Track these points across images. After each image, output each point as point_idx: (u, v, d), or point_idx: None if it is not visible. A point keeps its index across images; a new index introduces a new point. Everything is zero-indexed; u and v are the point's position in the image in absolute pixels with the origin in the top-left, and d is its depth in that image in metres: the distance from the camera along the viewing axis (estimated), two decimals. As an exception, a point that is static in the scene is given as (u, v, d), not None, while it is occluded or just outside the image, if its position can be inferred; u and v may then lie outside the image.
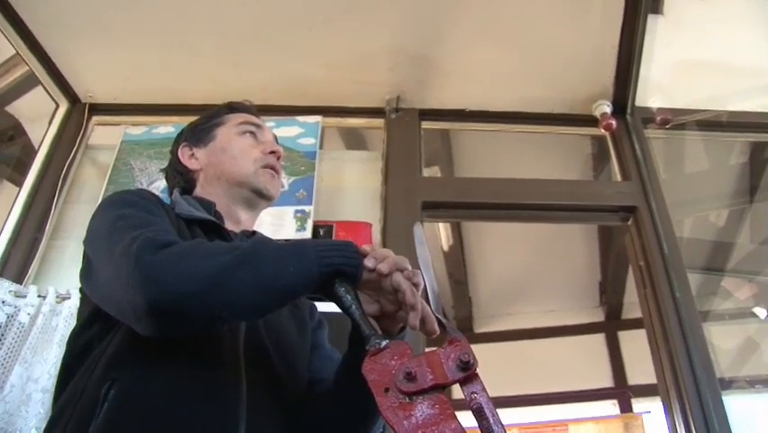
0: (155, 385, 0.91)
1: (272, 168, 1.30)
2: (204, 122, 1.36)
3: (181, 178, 1.31)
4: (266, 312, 0.93)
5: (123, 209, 1.01)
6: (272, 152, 1.31)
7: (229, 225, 1.23)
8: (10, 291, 2.11)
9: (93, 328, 1.01)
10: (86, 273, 1.03)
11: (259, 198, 1.29)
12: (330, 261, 0.89)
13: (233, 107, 1.40)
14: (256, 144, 1.32)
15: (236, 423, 0.92)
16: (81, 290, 1.09)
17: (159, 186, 2.56)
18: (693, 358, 2.25)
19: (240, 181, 1.27)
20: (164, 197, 1.29)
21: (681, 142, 3.15)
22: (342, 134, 3.32)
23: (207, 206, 1.22)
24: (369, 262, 0.93)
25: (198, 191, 1.29)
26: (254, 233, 1.31)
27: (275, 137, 1.39)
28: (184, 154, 1.32)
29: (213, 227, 1.17)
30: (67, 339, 1.06)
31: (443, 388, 0.75)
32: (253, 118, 1.37)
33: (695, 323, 2.34)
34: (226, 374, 0.97)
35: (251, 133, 1.34)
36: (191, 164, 1.31)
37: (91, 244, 1.02)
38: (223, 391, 0.94)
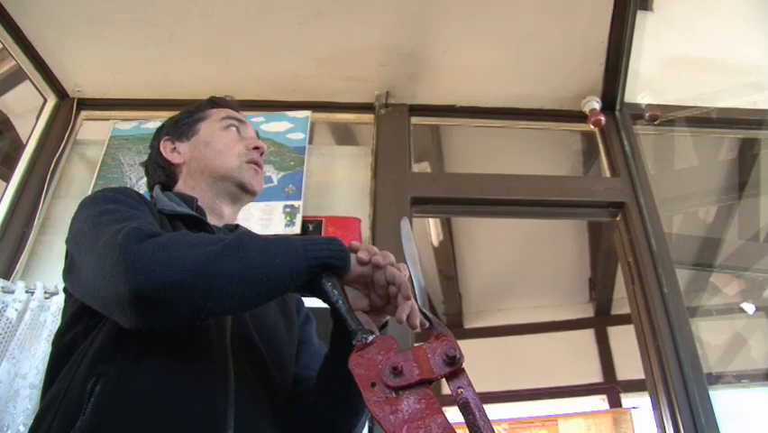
0: (141, 379, 0.90)
1: (255, 163, 1.31)
2: (186, 116, 1.36)
3: (162, 172, 1.31)
4: (252, 305, 0.90)
5: (106, 205, 1.01)
6: (256, 148, 1.32)
7: (211, 220, 1.23)
8: (-3, 287, 2.09)
9: (77, 327, 1.00)
10: (69, 271, 1.02)
11: (243, 192, 1.29)
12: (317, 254, 0.89)
13: (215, 102, 1.40)
14: (239, 139, 1.33)
15: (224, 414, 0.92)
16: (65, 290, 1.08)
17: (147, 181, 2.55)
18: (681, 354, 2.26)
19: (224, 175, 1.27)
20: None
21: (669, 139, 3.16)
22: (331, 130, 3.32)
23: (189, 201, 1.22)
24: (363, 254, 0.94)
25: (180, 186, 1.29)
26: (237, 226, 1.31)
27: (257, 133, 1.40)
28: (166, 148, 1.32)
29: (196, 222, 1.16)
30: (52, 338, 1.06)
31: (429, 383, 0.75)
32: (236, 113, 1.38)
33: (683, 319, 2.36)
34: (213, 366, 0.96)
35: (235, 127, 1.35)
36: (173, 158, 1.30)
37: (74, 240, 1.01)
38: (209, 384, 0.94)
